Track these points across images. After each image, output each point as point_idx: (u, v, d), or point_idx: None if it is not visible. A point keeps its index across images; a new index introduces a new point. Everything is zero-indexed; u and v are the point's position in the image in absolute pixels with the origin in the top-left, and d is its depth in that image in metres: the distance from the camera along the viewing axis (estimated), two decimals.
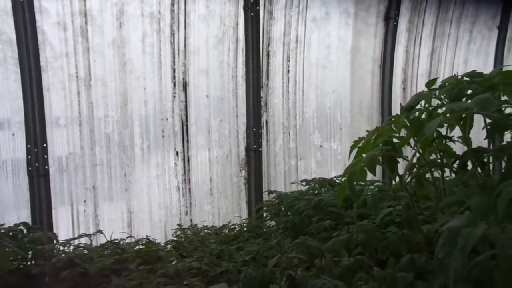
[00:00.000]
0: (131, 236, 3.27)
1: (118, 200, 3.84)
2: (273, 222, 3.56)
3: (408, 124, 1.80)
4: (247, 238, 3.23)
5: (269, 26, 4.43)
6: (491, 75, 1.75)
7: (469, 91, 1.70)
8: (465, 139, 1.78)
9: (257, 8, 4.27)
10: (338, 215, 2.88)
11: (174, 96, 4.00)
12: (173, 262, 2.47)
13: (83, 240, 3.04)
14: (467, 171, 1.79)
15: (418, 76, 5.62)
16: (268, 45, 4.44)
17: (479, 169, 1.73)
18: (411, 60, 5.56)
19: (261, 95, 4.41)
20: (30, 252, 2.53)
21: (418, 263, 1.70)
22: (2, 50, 3.30)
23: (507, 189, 1.10)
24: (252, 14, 4.25)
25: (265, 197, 4.32)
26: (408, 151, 2.02)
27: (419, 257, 1.73)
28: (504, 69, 1.78)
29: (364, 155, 1.83)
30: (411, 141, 1.81)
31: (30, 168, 3.40)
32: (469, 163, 1.79)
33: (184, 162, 4.09)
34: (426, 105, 1.86)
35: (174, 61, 3.97)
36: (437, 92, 1.83)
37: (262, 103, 4.43)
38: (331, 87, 4.95)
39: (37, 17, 3.36)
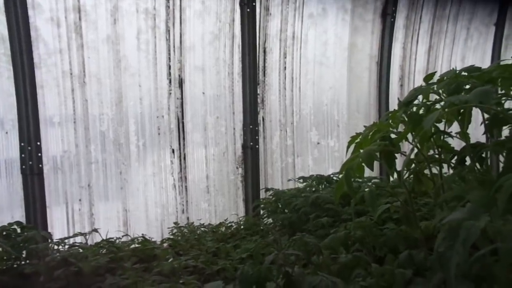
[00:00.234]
0: (127, 235, 3.23)
1: (114, 199, 3.80)
2: (270, 220, 3.54)
3: (406, 118, 1.78)
4: (244, 236, 3.21)
5: (266, 22, 4.40)
6: (490, 69, 1.73)
7: (467, 86, 1.68)
8: (463, 134, 1.76)
9: (254, 4, 4.24)
10: (335, 212, 2.87)
11: (170, 93, 3.97)
12: (169, 260, 2.44)
13: (78, 239, 3.01)
14: (466, 166, 1.77)
15: (416, 72, 5.60)
16: (265, 41, 4.41)
17: (477, 164, 1.71)
18: (409, 57, 5.54)
19: (258, 92, 4.38)
20: (24, 252, 2.50)
21: (416, 259, 1.68)
22: None
23: (507, 183, 1.08)
24: (248, 10, 4.21)
25: (262, 194, 4.30)
26: (405, 147, 2.00)
27: (417, 254, 1.71)
28: (502, 63, 1.76)
29: (361, 151, 1.81)
30: (409, 136, 1.79)
31: (23, 167, 3.36)
32: (467, 158, 1.77)
33: (180, 160, 4.05)
34: (424, 100, 1.84)
35: (169, 58, 3.94)
36: (435, 86, 1.81)
37: (259, 100, 4.40)
38: (328, 84, 4.92)
39: (30, 12, 3.32)
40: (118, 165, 3.78)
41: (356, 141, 2.03)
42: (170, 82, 3.96)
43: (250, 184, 4.35)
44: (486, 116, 1.65)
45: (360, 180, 3.19)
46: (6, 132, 3.34)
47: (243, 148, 4.35)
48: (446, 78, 1.78)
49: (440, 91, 1.78)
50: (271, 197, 3.65)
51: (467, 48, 6.12)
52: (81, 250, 2.52)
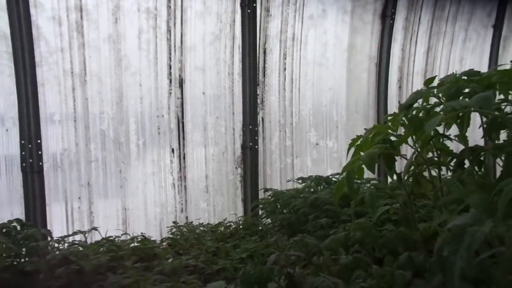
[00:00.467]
0: (126, 233, 3.25)
1: (113, 197, 3.81)
2: (269, 220, 3.56)
3: (407, 122, 1.80)
4: (243, 236, 3.22)
5: (266, 23, 4.41)
6: (489, 73, 1.76)
7: (467, 90, 1.70)
8: (462, 137, 1.78)
9: (254, 5, 4.26)
10: (334, 213, 2.89)
11: (170, 93, 3.98)
12: (169, 260, 2.45)
13: (77, 237, 3.02)
14: (464, 169, 1.79)
15: (414, 74, 5.64)
16: (265, 42, 4.43)
17: (476, 168, 1.73)
18: (407, 58, 5.57)
19: (258, 92, 4.40)
20: (23, 249, 2.51)
21: (416, 261, 1.70)
22: None
23: (507, 188, 1.10)
24: (249, 11, 4.23)
25: (261, 194, 4.31)
26: (404, 149, 2.02)
27: (417, 255, 1.73)
28: (501, 68, 1.79)
29: (362, 153, 1.83)
30: (408, 139, 1.82)
31: (24, 164, 3.37)
32: (466, 161, 1.79)
33: (179, 159, 4.07)
34: (424, 103, 1.86)
35: (170, 58, 3.95)
36: (435, 90, 1.83)
37: (259, 101, 4.42)
38: (327, 85, 4.95)
39: (32, 11, 3.33)
40: (118, 163, 3.79)
41: (357, 143, 2.04)
42: (170, 81, 3.97)
43: (249, 184, 4.37)
44: (484, 119, 1.68)
45: (359, 181, 3.22)
46: (7, 130, 3.34)
47: (242, 148, 4.37)
48: (446, 82, 1.81)
49: (440, 94, 1.80)
50: (270, 197, 3.66)
51: (465, 49, 6.16)
52: (81, 249, 2.53)
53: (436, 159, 1.94)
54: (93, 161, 3.69)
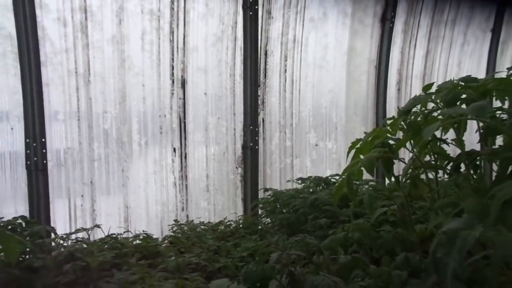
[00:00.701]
0: (128, 231, 3.30)
1: (115, 195, 3.87)
2: (268, 219, 3.61)
3: (405, 127, 1.86)
4: (243, 235, 3.27)
5: (267, 25, 4.47)
6: (485, 81, 1.82)
7: (463, 96, 1.76)
8: (459, 142, 1.84)
9: (256, 7, 4.31)
10: (333, 213, 2.93)
11: (173, 93, 4.04)
12: (172, 258, 2.51)
13: (80, 235, 3.07)
14: (461, 173, 1.85)
15: (413, 77, 5.70)
16: (266, 44, 4.49)
17: (472, 172, 1.79)
18: (406, 61, 5.63)
19: (259, 93, 4.45)
20: (28, 246, 2.56)
21: (412, 261, 1.76)
22: (2, 45, 3.31)
23: (500, 193, 1.16)
24: (251, 13, 4.28)
25: (261, 194, 4.37)
26: (402, 152, 2.08)
27: (413, 256, 1.79)
28: (497, 75, 1.85)
29: (361, 156, 1.89)
30: (407, 143, 1.87)
31: (28, 163, 3.42)
32: (462, 165, 1.85)
33: (181, 159, 4.13)
34: (423, 109, 1.92)
35: (173, 59, 4.00)
36: (433, 96, 1.89)
37: (259, 102, 4.48)
38: (327, 87, 5.01)
39: (37, 12, 3.38)
40: (120, 162, 3.84)
41: (356, 146, 2.10)
42: (173, 82, 4.03)
43: (249, 184, 4.43)
44: (481, 124, 1.74)
45: (358, 182, 3.28)
46: (12, 128, 3.40)
47: (243, 149, 4.43)
48: (444, 88, 1.87)
49: (438, 100, 1.86)
50: (269, 197, 3.71)
51: (464, 53, 6.22)
52: (85, 246, 2.59)
53: (433, 162, 2.00)
54: (96, 160, 3.74)
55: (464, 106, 1.71)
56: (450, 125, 1.86)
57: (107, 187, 3.82)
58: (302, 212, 3.08)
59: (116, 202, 3.88)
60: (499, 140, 1.76)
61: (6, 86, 3.36)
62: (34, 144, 3.42)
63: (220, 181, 4.37)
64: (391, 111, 5.36)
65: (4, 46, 3.32)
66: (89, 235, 3.04)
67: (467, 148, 1.85)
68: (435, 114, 1.86)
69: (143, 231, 3.17)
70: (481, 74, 6.26)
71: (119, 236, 2.98)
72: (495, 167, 1.65)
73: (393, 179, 1.98)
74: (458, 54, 6.15)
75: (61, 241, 2.74)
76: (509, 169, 1.58)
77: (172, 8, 3.94)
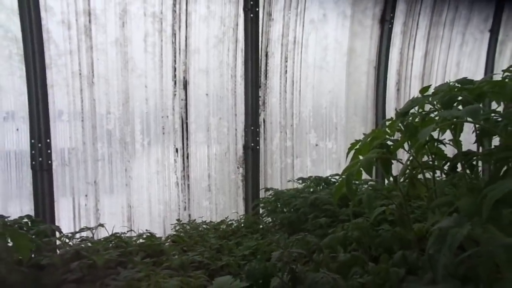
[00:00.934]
0: (131, 230, 3.36)
1: (119, 195, 3.93)
2: (269, 219, 3.65)
3: (403, 128, 1.91)
4: (245, 234, 3.32)
5: (268, 27, 4.53)
6: (480, 83, 1.87)
7: (460, 98, 1.81)
8: (456, 143, 1.89)
9: (257, 9, 4.37)
10: (333, 213, 2.98)
11: (175, 94, 4.09)
12: (176, 256, 2.57)
13: (84, 234, 3.12)
14: (457, 173, 1.90)
15: (412, 77, 5.75)
16: (267, 45, 4.54)
17: (468, 171, 1.85)
18: (405, 62, 5.68)
19: (259, 94, 4.51)
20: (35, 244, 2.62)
21: (409, 259, 1.82)
22: (8, 47, 3.37)
23: (491, 193, 1.22)
24: (251, 15, 4.34)
25: (262, 194, 4.43)
26: (400, 153, 2.13)
27: (410, 254, 1.85)
28: (496, 76, 1.90)
29: (361, 157, 1.95)
30: (405, 144, 1.93)
31: (33, 163, 3.48)
32: (459, 165, 1.90)
33: (183, 159, 4.18)
34: (420, 110, 1.98)
35: (175, 60, 4.06)
36: (430, 98, 1.94)
37: (260, 102, 4.54)
38: (327, 88, 5.06)
39: (42, 15, 3.43)
40: (123, 162, 3.90)
41: (356, 147, 2.15)
42: (175, 83, 4.08)
43: (250, 184, 4.48)
44: (477, 125, 1.79)
45: (357, 182, 3.33)
46: (17, 129, 3.45)
47: (244, 149, 4.49)
48: (441, 91, 1.92)
49: (435, 102, 1.91)
50: (270, 196, 3.76)
51: (462, 53, 6.27)
52: (90, 244, 2.64)
53: (431, 162, 2.05)
54: (100, 160, 3.80)
55: (460, 107, 1.76)
56: (447, 126, 1.91)
57: (111, 186, 3.88)
58: (303, 212, 3.12)
59: (120, 201, 3.94)
60: (496, 141, 1.82)
61: (12, 87, 3.42)
62: (39, 145, 3.48)
63: (221, 181, 4.43)
64: (391, 111, 5.42)
65: (10, 49, 3.38)
66: (93, 234, 3.10)
67: (464, 148, 1.90)
68: (432, 115, 1.91)
69: (146, 230, 3.22)
70: (479, 74, 6.31)
71: (123, 235, 3.04)
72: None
73: (391, 179, 2.03)
74: (456, 55, 6.20)
75: (67, 240, 2.80)
76: (503, 170, 1.64)
77: (174, 11, 4.00)
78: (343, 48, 5.14)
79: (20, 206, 3.51)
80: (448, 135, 1.95)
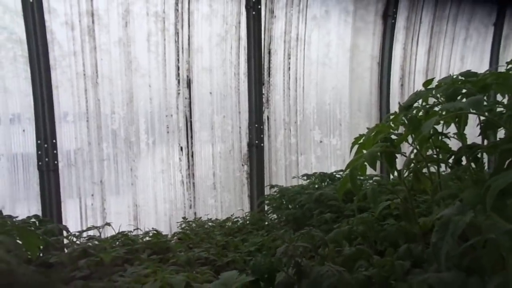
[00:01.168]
0: (137, 229, 3.38)
1: (125, 194, 3.95)
2: (274, 215, 3.66)
3: (406, 122, 1.91)
4: (251, 231, 3.33)
5: (271, 24, 4.53)
6: (484, 75, 1.87)
7: (464, 90, 1.81)
8: (460, 136, 1.88)
9: (259, 7, 4.37)
10: (338, 208, 2.98)
11: (179, 93, 4.11)
12: (182, 253, 2.58)
13: (91, 233, 3.15)
14: (462, 166, 1.90)
15: (416, 73, 5.74)
16: (270, 43, 4.55)
17: (473, 164, 1.84)
18: (409, 57, 5.67)
19: (263, 91, 4.52)
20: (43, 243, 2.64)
21: (414, 252, 1.82)
22: (13, 49, 3.40)
23: (495, 184, 1.22)
24: (254, 13, 4.35)
25: (267, 191, 4.44)
26: (405, 147, 2.13)
27: (415, 247, 1.85)
28: (500, 69, 1.90)
29: (364, 151, 1.95)
30: (409, 137, 1.92)
31: (40, 163, 3.51)
32: (463, 158, 1.89)
33: (188, 157, 4.20)
34: (424, 103, 1.97)
35: (178, 59, 4.08)
36: (433, 91, 1.94)
37: (264, 100, 4.55)
38: (330, 84, 5.06)
39: (46, 17, 3.46)
40: (129, 162, 3.93)
41: (359, 142, 2.14)
42: (178, 82, 4.10)
43: (255, 181, 4.50)
44: (482, 118, 1.78)
45: (362, 177, 3.33)
46: (24, 130, 3.49)
47: (248, 146, 4.50)
48: (444, 83, 1.92)
49: (438, 95, 1.91)
50: (275, 193, 3.76)
51: (466, 48, 6.24)
52: (97, 243, 2.66)
53: (435, 156, 2.05)
54: (105, 160, 3.83)
55: (464, 100, 1.76)
56: (451, 119, 1.90)
57: (117, 186, 3.91)
58: (308, 208, 3.13)
59: (126, 200, 3.96)
60: (501, 133, 1.81)
61: (17, 89, 3.45)
62: (45, 145, 3.51)
63: (226, 179, 4.44)
64: (395, 107, 5.40)
65: (15, 51, 3.41)
66: (100, 233, 3.12)
67: (469, 142, 1.89)
68: (436, 109, 1.91)
69: (153, 228, 3.24)
70: (484, 69, 6.27)
71: (129, 234, 3.06)
72: None
73: (396, 173, 2.03)
74: (460, 49, 6.17)
75: (74, 239, 2.82)
76: (507, 162, 1.64)
77: (176, 10, 4.02)
78: (346, 44, 5.14)
79: (27, 207, 3.54)
80: (452, 129, 1.94)
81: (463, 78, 1.92)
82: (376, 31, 5.33)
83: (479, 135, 1.85)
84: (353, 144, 2.18)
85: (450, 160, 1.99)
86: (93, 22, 3.66)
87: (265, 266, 1.74)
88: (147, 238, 2.97)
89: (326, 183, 3.72)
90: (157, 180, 4.08)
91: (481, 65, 6.31)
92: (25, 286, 1.27)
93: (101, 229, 3.12)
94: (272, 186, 4.05)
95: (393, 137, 2.00)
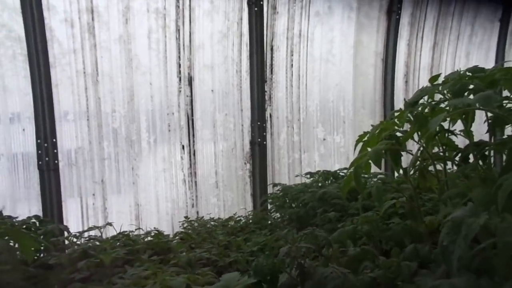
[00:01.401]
0: (139, 228, 3.34)
1: (126, 193, 3.92)
2: (278, 214, 3.62)
3: (412, 119, 1.86)
4: (253, 230, 3.29)
5: (273, 20, 4.48)
6: (492, 71, 1.81)
7: (471, 86, 1.75)
8: (467, 133, 1.83)
9: (261, 2, 4.32)
10: (342, 207, 2.94)
11: (180, 91, 4.07)
12: (183, 253, 2.54)
13: (92, 233, 3.12)
14: (469, 164, 1.85)
15: (420, 69, 5.68)
16: (272, 39, 4.50)
17: (480, 162, 1.79)
18: (413, 54, 5.60)
19: (265, 89, 4.47)
20: (42, 244, 2.61)
21: (421, 252, 1.77)
22: (12, 47, 3.37)
23: (507, 182, 1.16)
24: (256, 9, 4.30)
25: (270, 189, 4.39)
26: (410, 144, 2.08)
27: (422, 247, 1.80)
28: (505, 65, 1.84)
29: (369, 149, 1.90)
30: (415, 135, 1.87)
31: (40, 163, 3.48)
32: (470, 156, 1.84)
33: (190, 156, 4.16)
34: (430, 100, 1.92)
35: (179, 57, 4.03)
36: (440, 87, 1.88)
37: (266, 97, 4.50)
38: (334, 81, 5.01)
39: (45, 14, 3.42)
40: (130, 160, 3.89)
41: (364, 139, 2.10)
42: (180, 80, 4.06)
43: (257, 180, 4.45)
44: (489, 114, 1.73)
45: (366, 176, 3.28)
46: (23, 129, 3.45)
47: (251, 144, 4.45)
48: (451, 79, 1.86)
49: (445, 91, 1.85)
50: (278, 192, 3.73)
51: (471, 44, 6.17)
52: (98, 243, 2.63)
53: (441, 154, 2.00)
54: (106, 159, 3.79)
55: (471, 96, 1.70)
56: (458, 116, 1.85)
57: (118, 185, 3.87)
58: (311, 206, 3.08)
59: (127, 200, 3.93)
60: (508, 130, 1.76)
61: (16, 88, 3.42)
62: (45, 145, 3.47)
63: (229, 177, 4.40)
64: (399, 103, 5.35)
65: (14, 49, 3.37)
66: (101, 233, 3.09)
67: (476, 139, 1.84)
68: (442, 105, 1.85)
69: (154, 228, 3.21)
70: (489, 65, 6.14)
71: (130, 234, 3.02)
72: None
73: (401, 171, 1.98)
74: (465, 46, 6.10)
75: (74, 239, 2.79)
76: None
77: (177, 6, 3.97)
78: (350, 40, 5.08)
79: (28, 207, 3.51)
80: (458, 126, 1.89)
81: (470, 74, 1.87)
82: (380, 27, 5.27)
83: (486, 132, 1.80)
84: (357, 141, 2.13)
85: (457, 158, 1.94)
86: (93, 19, 3.61)
87: (268, 267, 1.70)
88: (149, 238, 2.93)
89: (329, 182, 3.68)
90: (158, 179, 4.04)
91: (486, 62, 6.23)
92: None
93: (102, 229, 3.09)
94: (275, 185, 4.01)
95: (398, 134, 1.95)
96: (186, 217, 3.83)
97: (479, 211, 0.97)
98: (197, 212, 4.20)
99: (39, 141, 3.47)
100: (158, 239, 2.78)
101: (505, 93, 1.82)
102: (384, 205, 2.01)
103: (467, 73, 1.88)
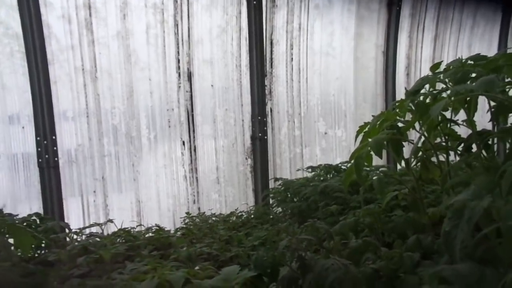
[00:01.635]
0: (141, 225, 3.33)
1: (127, 190, 3.90)
2: (279, 209, 3.61)
3: (413, 108, 1.83)
4: (255, 225, 3.28)
5: (272, 14, 4.44)
6: (495, 57, 1.77)
7: (473, 74, 1.72)
8: (470, 122, 1.80)
9: None
10: (344, 200, 2.92)
11: (179, 87, 4.04)
12: (184, 248, 2.52)
13: (94, 230, 3.11)
14: (472, 153, 1.81)
15: (422, 61, 5.63)
16: (271, 33, 4.46)
17: (483, 151, 1.75)
18: (415, 46, 5.55)
19: (265, 83, 4.44)
20: (43, 241, 2.60)
21: (424, 243, 1.74)
22: (9, 45, 3.34)
23: (510, 168, 1.13)
24: (254, 2, 4.26)
25: (271, 184, 4.37)
26: (412, 135, 2.05)
27: (425, 238, 1.77)
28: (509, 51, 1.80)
29: (370, 140, 1.87)
30: (416, 125, 1.84)
31: (40, 160, 3.46)
32: (473, 145, 1.81)
33: (190, 152, 4.14)
34: (431, 89, 1.89)
35: (178, 52, 4.00)
36: (441, 75, 1.85)
37: (267, 92, 4.47)
38: (335, 75, 4.97)
39: (42, 10, 3.40)
40: (130, 157, 3.87)
41: (365, 130, 2.07)
42: (179, 75, 4.03)
43: (259, 175, 4.43)
44: (492, 103, 1.70)
45: (368, 168, 3.25)
46: (23, 127, 3.44)
47: (251, 139, 4.42)
48: (452, 67, 1.83)
49: (447, 80, 1.82)
50: (280, 186, 3.71)
51: (473, 35, 6.11)
52: (98, 239, 2.61)
53: (444, 144, 1.96)
54: (107, 156, 3.77)
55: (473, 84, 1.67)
56: (460, 105, 1.82)
57: (119, 182, 3.86)
58: (313, 200, 3.07)
59: (128, 196, 3.91)
60: (511, 119, 1.73)
61: (15, 85, 3.40)
62: (45, 142, 3.46)
63: (230, 173, 4.38)
64: (401, 96, 5.26)
65: (12, 46, 3.35)
66: (102, 230, 3.08)
67: (478, 129, 1.81)
68: (444, 94, 1.82)
69: (156, 224, 3.19)
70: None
71: (132, 230, 3.01)
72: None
73: (403, 162, 1.95)
74: (467, 37, 6.05)
75: (75, 236, 2.78)
76: None
77: (175, 1, 3.94)
78: (350, 33, 5.04)
79: (29, 205, 3.50)
80: (461, 116, 1.86)
81: (472, 62, 1.83)
82: (380, 19, 5.22)
83: (489, 121, 1.77)
84: (358, 132, 2.10)
85: (460, 148, 1.91)
86: (90, 15, 3.59)
87: (268, 260, 1.68)
88: (150, 234, 2.92)
89: (331, 175, 3.66)
90: (159, 175, 4.02)
91: (489, 53, 6.11)
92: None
93: (103, 226, 3.08)
94: (276, 179, 3.99)
95: (400, 124, 1.92)
96: (187, 213, 3.81)
97: (482, 194, 0.94)
98: (199, 208, 4.18)
99: (38, 138, 3.45)
100: (159, 235, 2.77)
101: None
102: (386, 197, 1.98)
103: (469, 61, 1.84)
